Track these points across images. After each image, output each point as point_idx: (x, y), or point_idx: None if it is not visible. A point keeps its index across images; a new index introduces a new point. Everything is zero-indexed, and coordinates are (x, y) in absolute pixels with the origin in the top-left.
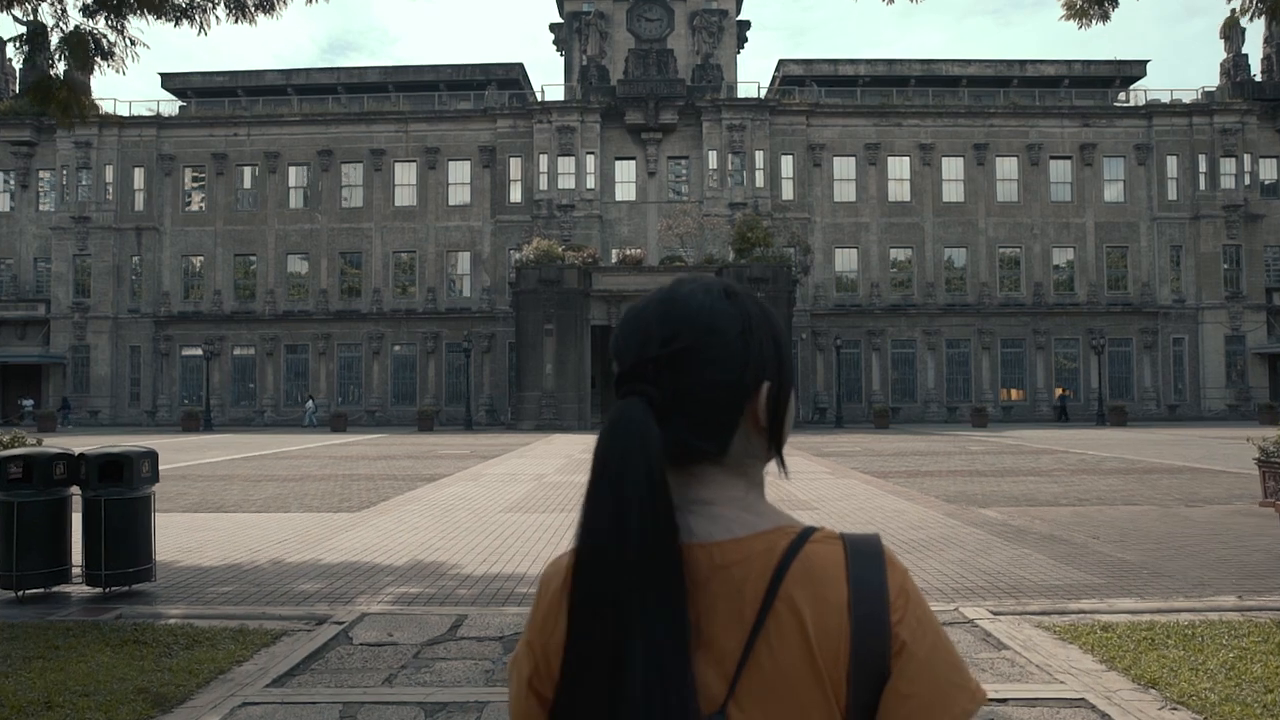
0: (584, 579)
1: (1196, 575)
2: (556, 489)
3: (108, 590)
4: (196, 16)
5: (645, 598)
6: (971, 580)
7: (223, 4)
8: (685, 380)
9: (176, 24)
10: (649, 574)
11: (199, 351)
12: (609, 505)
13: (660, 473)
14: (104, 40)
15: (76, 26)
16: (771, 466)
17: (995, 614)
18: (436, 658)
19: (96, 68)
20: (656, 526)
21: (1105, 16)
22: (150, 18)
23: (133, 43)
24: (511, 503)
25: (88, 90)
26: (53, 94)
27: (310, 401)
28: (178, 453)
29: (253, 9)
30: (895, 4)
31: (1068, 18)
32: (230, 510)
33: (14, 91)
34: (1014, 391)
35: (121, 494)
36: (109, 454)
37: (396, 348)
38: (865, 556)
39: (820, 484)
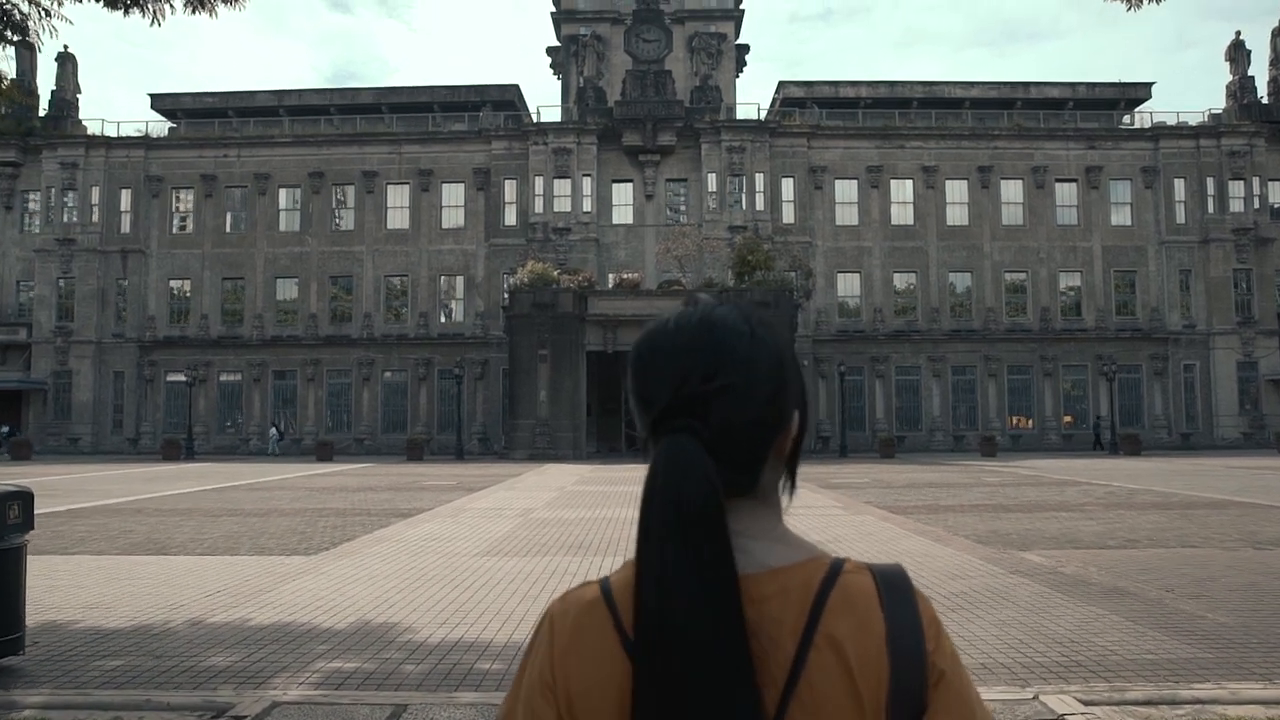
0: (650, 623)
1: None
2: (543, 527)
3: None
4: (149, 5)
5: (715, 636)
6: (1041, 652)
7: None
8: (727, 415)
9: (126, 13)
10: (714, 614)
11: (184, 377)
12: (672, 548)
13: (723, 512)
14: (14, 10)
15: None
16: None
17: (1087, 704)
18: None
19: (4, 44)
20: (720, 568)
21: None
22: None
23: (47, 13)
24: (490, 544)
25: (32, 93)
26: None
27: (274, 428)
28: (147, 483)
29: (213, 0)
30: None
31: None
32: (172, 552)
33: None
34: (1022, 419)
35: None
36: None
37: (387, 374)
38: (896, 588)
39: (834, 521)
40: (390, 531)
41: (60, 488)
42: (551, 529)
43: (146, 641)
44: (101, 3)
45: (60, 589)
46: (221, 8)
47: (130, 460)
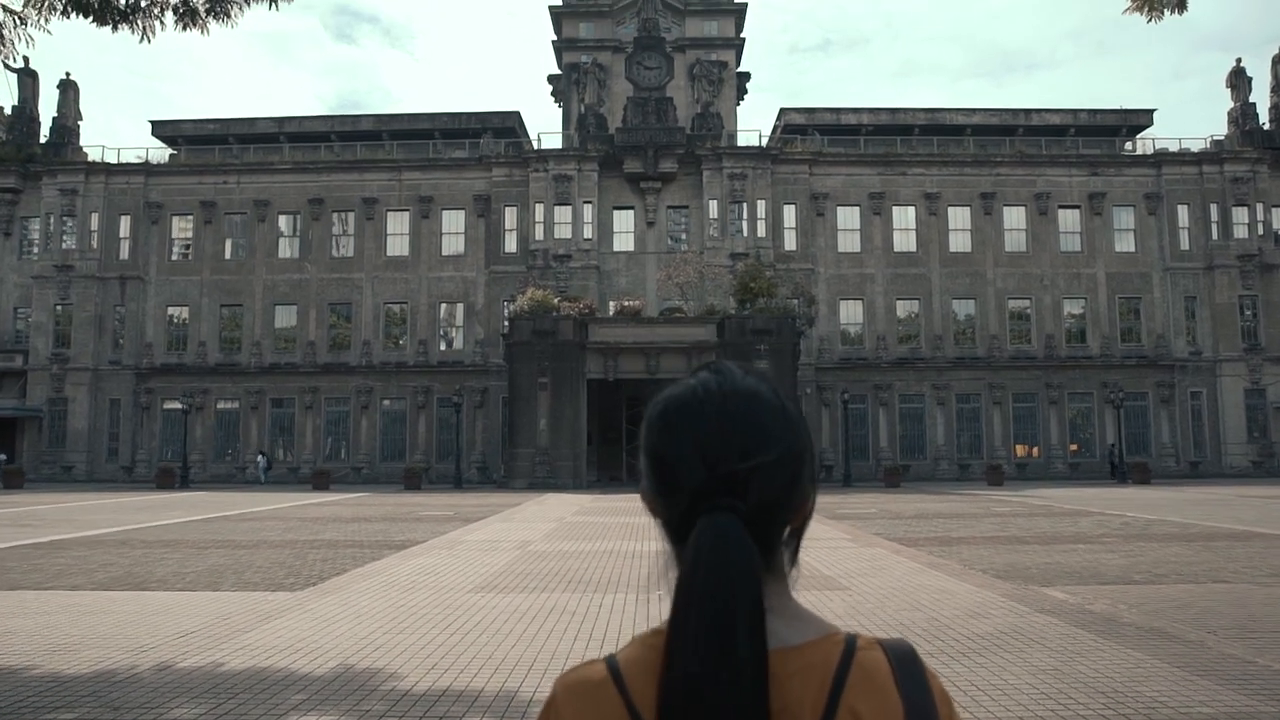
0: (676, 707)
1: None
2: (541, 560)
3: None
4: (139, 21)
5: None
6: (1083, 703)
7: (170, 10)
8: (762, 495)
9: (115, 29)
10: (748, 706)
11: (180, 405)
12: (715, 640)
13: (762, 600)
14: None
15: None
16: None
17: None
18: None
19: None
20: (757, 658)
21: (1182, 6)
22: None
23: (22, 21)
24: (485, 579)
25: (33, 119)
26: None
27: (261, 456)
28: (137, 513)
29: (204, 15)
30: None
31: (1134, 10)
32: (151, 587)
33: None
34: (1027, 448)
35: None
36: None
37: (386, 402)
38: (907, 663)
39: (843, 555)
40: (381, 565)
41: (47, 518)
42: (550, 562)
43: (107, 690)
44: (90, 19)
45: (24, 631)
46: (213, 25)
47: (124, 489)
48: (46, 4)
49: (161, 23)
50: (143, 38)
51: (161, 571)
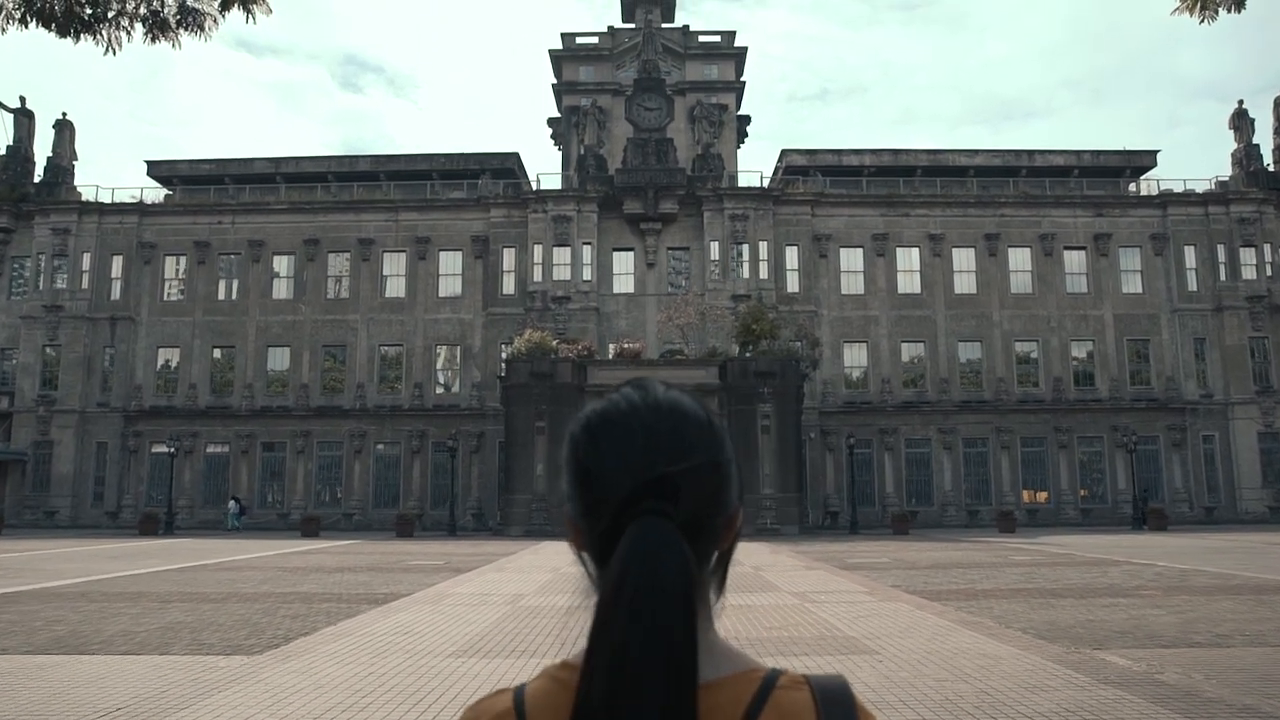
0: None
1: None
2: (533, 618)
3: None
4: (103, 31)
5: None
6: None
7: (139, 20)
8: (693, 502)
9: (77, 39)
10: (669, 710)
11: (168, 449)
12: (639, 636)
13: (694, 601)
14: None
15: None
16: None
17: None
18: None
19: None
20: (684, 676)
21: (1240, 4)
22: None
23: None
24: (469, 640)
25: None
26: None
27: (233, 502)
28: (110, 561)
29: (175, 27)
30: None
31: (1183, 10)
32: (92, 650)
33: None
34: (1037, 493)
35: None
36: None
37: (379, 446)
38: (837, 703)
39: (863, 610)
40: (357, 623)
41: (11, 567)
42: (542, 620)
43: None
44: (52, 29)
45: None
46: (185, 37)
47: (106, 535)
48: (4, 13)
49: (128, 34)
50: (107, 49)
51: (111, 630)
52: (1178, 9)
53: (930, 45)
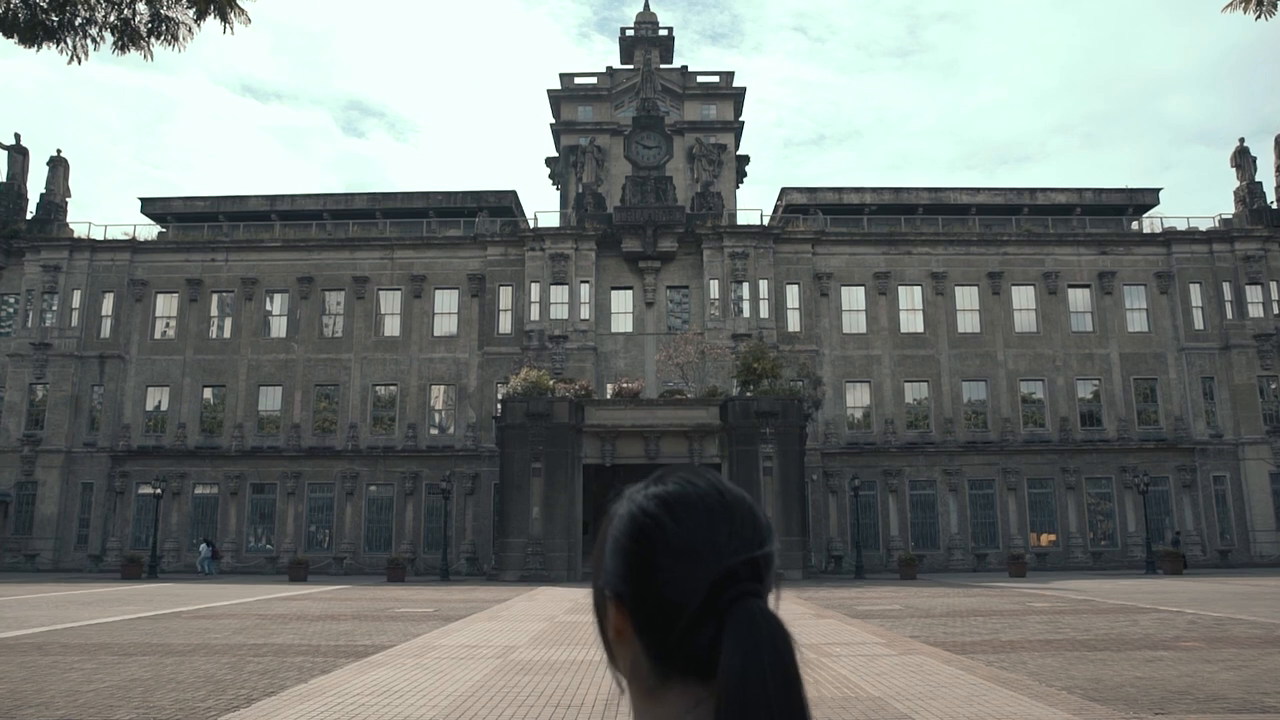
0: None
1: None
2: (524, 674)
3: None
4: (68, 40)
5: None
6: None
7: (108, 29)
8: (770, 584)
9: (39, 48)
10: None
11: (154, 490)
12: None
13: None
14: None
15: None
16: None
17: None
18: None
19: None
20: None
21: None
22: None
23: None
24: (451, 703)
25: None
26: None
27: (205, 545)
28: (82, 608)
29: (146, 36)
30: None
31: (1236, 7)
32: (23, 714)
33: None
34: (1044, 536)
35: None
36: None
37: (372, 488)
38: None
39: (884, 666)
40: (331, 680)
41: None
42: (534, 677)
43: None
44: (15, 38)
45: None
46: (158, 47)
47: (87, 580)
48: None
49: (95, 43)
50: (72, 58)
51: (54, 689)
52: (1229, 6)
53: (924, 91)
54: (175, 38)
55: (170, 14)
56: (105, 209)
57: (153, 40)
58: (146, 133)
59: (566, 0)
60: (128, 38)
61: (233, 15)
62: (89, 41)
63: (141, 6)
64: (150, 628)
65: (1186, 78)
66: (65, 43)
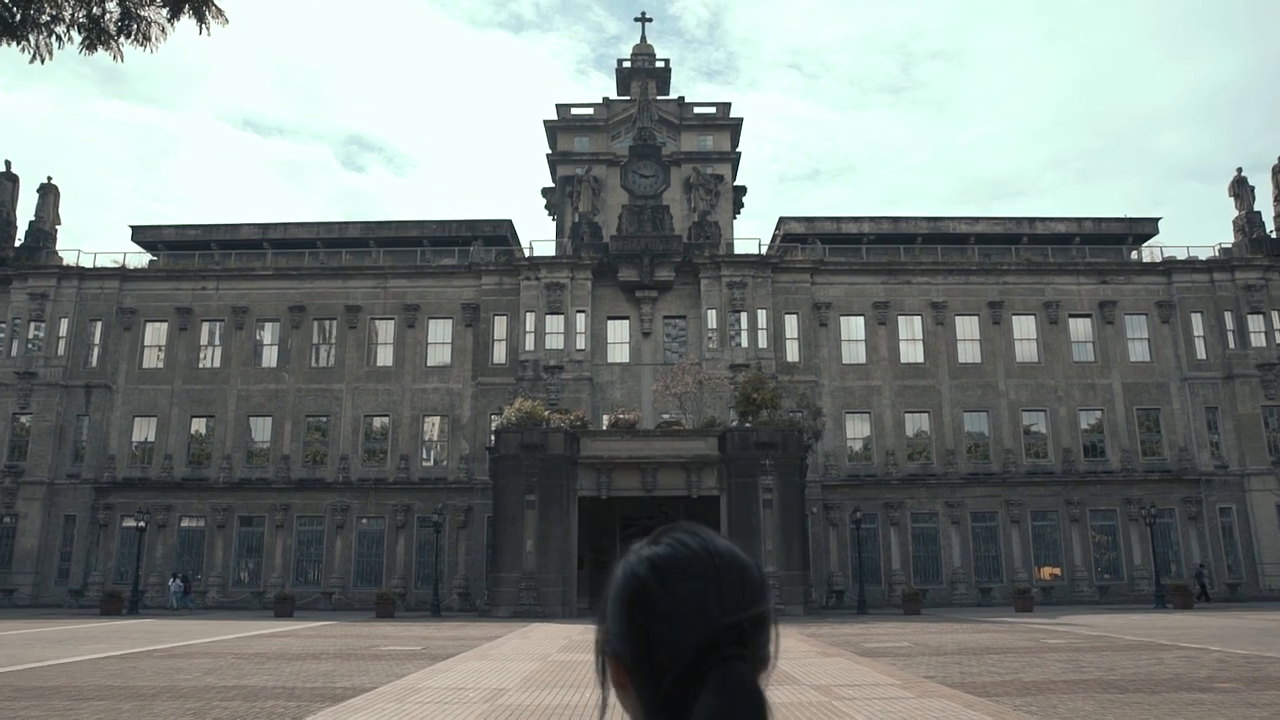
0: None
1: None
2: (515, 718)
3: None
4: (31, 37)
5: None
6: None
7: (76, 27)
8: (759, 647)
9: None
10: None
11: (137, 523)
12: None
13: None
14: None
15: None
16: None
17: None
18: None
19: None
20: None
21: None
22: None
23: None
24: None
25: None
26: None
27: (175, 579)
28: (50, 647)
29: (116, 35)
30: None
31: None
32: None
33: None
34: (1048, 569)
35: None
36: None
37: (363, 521)
38: None
39: (904, 711)
40: None
41: None
42: None
43: None
44: None
45: None
46: (128, 47)
47: (65, 616)
48: None
49: (60, 40)
50: (35, 56)
51: None
52: None
53: (918, 127)
54: (147, 38)
55: (142, 12)
56: (103, 242)
57: (123, 40)
58: (148, 167)
59: (565, 38)
60: (96, 37)
61: (209, 15)
62: (54, 40)
63: (112, 5)
64: (116, 668)
65: (1179, 114)
66: (28, 40)
